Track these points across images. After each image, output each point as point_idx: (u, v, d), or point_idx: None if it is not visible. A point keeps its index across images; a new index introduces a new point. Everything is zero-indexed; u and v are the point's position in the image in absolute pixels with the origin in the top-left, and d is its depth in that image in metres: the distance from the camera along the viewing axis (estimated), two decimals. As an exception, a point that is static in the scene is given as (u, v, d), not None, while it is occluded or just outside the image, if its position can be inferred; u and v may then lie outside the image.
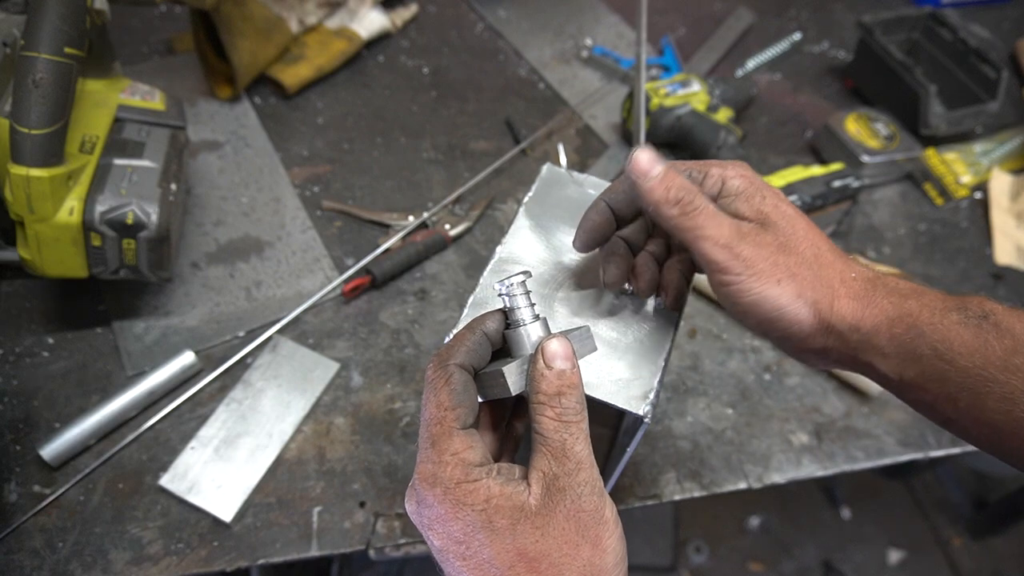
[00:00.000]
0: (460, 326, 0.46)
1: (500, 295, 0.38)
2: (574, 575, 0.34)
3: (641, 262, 0.46)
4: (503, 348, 0.40)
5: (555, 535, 0.34)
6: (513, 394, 0.37)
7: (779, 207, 0.42)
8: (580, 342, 0.39)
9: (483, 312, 0.40)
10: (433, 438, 0.35)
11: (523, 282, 0.38)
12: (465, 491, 0.34)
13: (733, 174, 0.42)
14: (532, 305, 0.38)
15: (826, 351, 0.42)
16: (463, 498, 0.34)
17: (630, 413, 0.43)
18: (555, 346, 0.36)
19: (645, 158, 0.40)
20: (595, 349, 0.40)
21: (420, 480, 0.35)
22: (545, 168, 0.57)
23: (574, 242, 0.46)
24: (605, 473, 0.63)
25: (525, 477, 0.35)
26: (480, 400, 0.38)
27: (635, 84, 0.77)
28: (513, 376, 0.36)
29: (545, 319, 0.39)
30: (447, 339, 0.46)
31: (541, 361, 0.36)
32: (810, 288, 0.40)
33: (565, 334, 0.38)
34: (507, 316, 0.39)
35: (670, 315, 0.48)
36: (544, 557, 0.33)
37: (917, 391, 0.39)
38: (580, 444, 0.35)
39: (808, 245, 0.41)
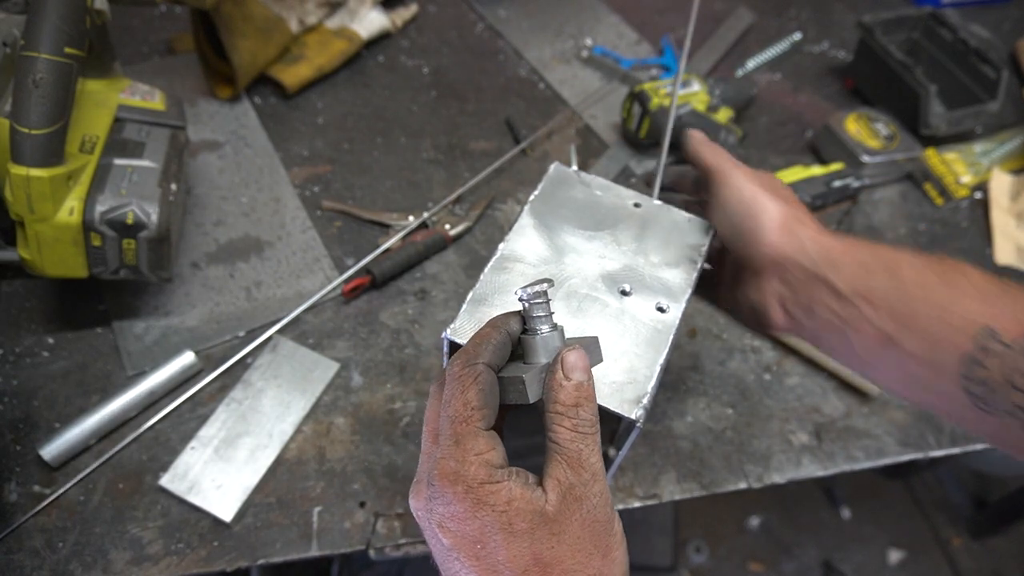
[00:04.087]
0: (459, 321, 0.46)
1: (520, 300, 0.38)
2: None
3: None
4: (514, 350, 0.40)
5: (569, 543, 0.34)
6: (531, 401, 0.37)
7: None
8: (589, 352, 0.39)
9: (503, 312, 0.40)
10: (457, 436, 0.35)
11: (545, 291, 0.38)
12: (487, 491, 0.34)
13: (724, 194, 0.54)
14: (551, 314, 0.38)
15: (785, 261, 0.49)
16: (485, 498, 0.34)
17: (623, 417, 0.42)
18: (574, 358, 0.36)
19: (699, 135, 0.56)
20: (601, 360, 0.41)
21: (440, 476, 0.35)
22: (553, 167, 0.56)
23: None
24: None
25: (539, 484, 0.36)
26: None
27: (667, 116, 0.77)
28: (533, 384, 0.37)
29: (562, 328, 0.39)
30: (449, 332, 0.46)
31: (560, 372, 0.36)
32: (783, 202, 0.50)
33: (574, 342, 0.39)
34: (524, 322, 0.39)
35: (670, 319, 0.48)
36: (558, 563, 0.34)
37: (863, 303, 0.46)
38: (595, 456, 0.36)
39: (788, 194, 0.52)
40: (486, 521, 0.34)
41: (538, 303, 0.38)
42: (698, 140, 0.55)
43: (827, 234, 0.49)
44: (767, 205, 0.50)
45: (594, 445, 0.36)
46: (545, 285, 0.38)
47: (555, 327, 0.39)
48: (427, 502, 0.36)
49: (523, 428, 0.50)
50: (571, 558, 0.34)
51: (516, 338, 0.39)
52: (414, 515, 0.38)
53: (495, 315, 0.41)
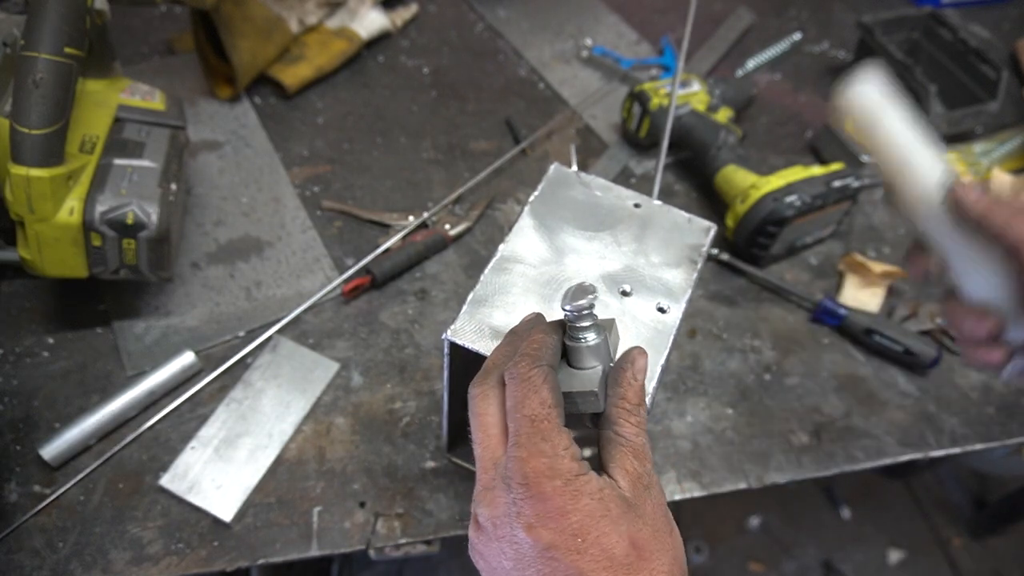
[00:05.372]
0: (460, 322, 0.46)
1: (565, 311, 0.39)
2: (667, 559, 0.36)
3: None
4: None
5: (650, 524, 0.36)
6: (602, 409, 0.39)
7: None
8: (615, 336, 0.42)
9: (539, 317, 0.42)
10: (543, 433, 0.36)
11: (592, 304, 0.38)
12: (583, 482, 0.35)
13: None
14: (595, 319, 0.39)
15: None
16: (583, 488, 0.35)
17: None
18: (643, 362, 0.40)
19: (966, 190, 0.43)
20: (619, 339, 0.44)
21: (532, 474, 0.35)
22: (552, 168, 0.57)
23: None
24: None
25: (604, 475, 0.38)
26: None
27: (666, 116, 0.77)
28: (603, 393, 0.39)
29: (605, 335, 0.40)
30: (449, 334, 0.46)
31: (630, 372, 0.39)
32: None
33: (602, 327, 0.41)
34: (567, 331, 0.40)
35: (670, 320, 0.48)
36: (646, 544, 0.35)
37: None
38: (650, 449, 0.39)
39: None
40: (586, 512, 0.34)
41: (586, 314, 0.39)
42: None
43: None
44: None
45: (648, 438, 0.39)
46: (591, 297, 0.38)
47: (600, 331, 0.40)
48: (511, 506, 0.36)
49: None
50: (653, 538, 0.36)
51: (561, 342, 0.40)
52: (483, 525, 0.37)
53: (528, 318, 0.42)
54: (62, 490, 0.61)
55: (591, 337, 0.39)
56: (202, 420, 0.66)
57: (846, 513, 1.61)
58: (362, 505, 0.63)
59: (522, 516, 0.35)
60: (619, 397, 0.38)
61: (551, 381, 0.37)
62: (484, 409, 0.39)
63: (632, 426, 0.38)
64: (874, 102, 0.46)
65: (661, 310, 0.48)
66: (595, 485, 0.35)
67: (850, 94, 0.46)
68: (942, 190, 0.44)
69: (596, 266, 0.50)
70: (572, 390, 0.39)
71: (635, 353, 0.40)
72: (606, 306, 0.48)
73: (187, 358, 0.67)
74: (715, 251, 0.83)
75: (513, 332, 0.42)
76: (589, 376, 0.39)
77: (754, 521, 1.59)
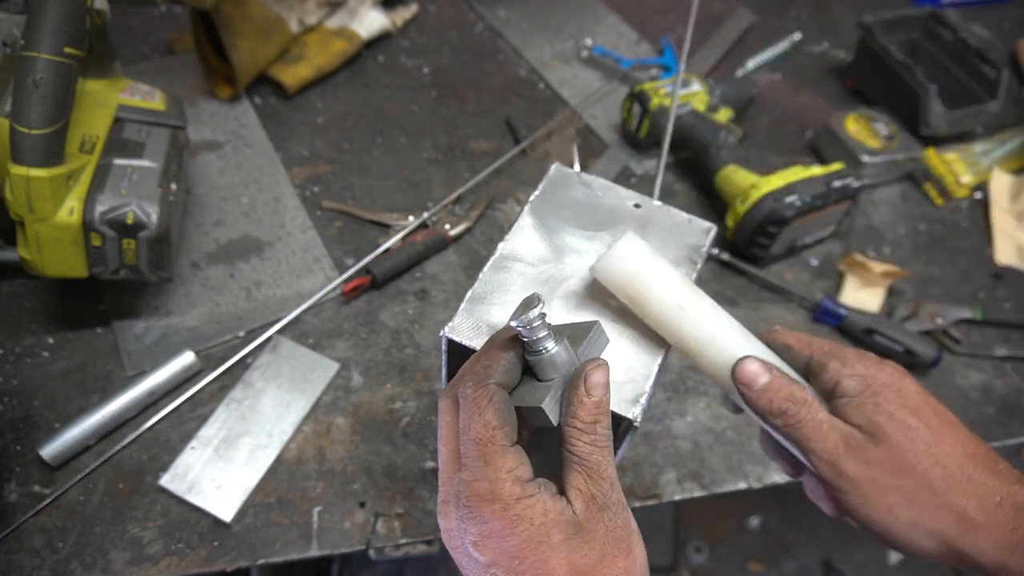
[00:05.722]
0: (457, 319, 0.46)
1: (517, 328, 0.37)
2: None
3: None
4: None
5: (598, 549, 0.35)
6: (555, 425, 0.37)
7: (895, 417, 0.40)
8: (595, 341, 0.40)
9: (503, 333, 0.40)
10: (485, 456, 0.35)
11: (541, 314, 0.37)
12: (524, 506, 0.35)
13: (849, 373, 0.42)
14: (550, 329, 0.38)
15: (958, 569, 0.39)
16: (522, 513, 0.34)
17: (621, 417, 0.43)
18: (598, 376, 0.37)
19: (750, 369, 0.42)
20: (608, 341, 0.41)
21: (474, 497, 0.35)
22: (553, 168, 0.57)
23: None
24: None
25: (561, 493, 0.36)
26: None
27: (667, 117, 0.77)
28: (553, 410, 0.37)
29: (566, 340, 0.39)
30: (447, 331, 0.46)
31: (582, 388, 0.37)
32: (930, 516, 0.38)
33: (576, 329, 0.39)
34: (526, 346, 0.38)
35: None
36: (591, 570, 0.35)
37: None
38: (611, 466, 0.37)
39: (931, 463, 0.39)
40: (524, 536, 0.34)
41: (536, 326, 0.37)
42: (764, 401, 0.41)
43: (1014, 538, 0.38)
44: (917, 545, 0.39)
45: (610, 455, 0.37)
46: (537, 309, 0.37)
47: (558, 340, 0.38)
48: (459, 522, 0.36)
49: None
50: (600, 563, 0.35)
51: (522, 358, 0.39)
52: (443, 534, 0.38)
53: (496, 333, 0.40)
54: (62, 490, 0.61)
55: (548, 348, 0.37)
56: (202, 420, 0.66)
57: (846, 513, 1.61)
58: (362, 505, 0.63)
59: (468, 534, 0.36)
60: (571, 416, 0.37)
61: (496, 402, 0.36)
62: (446, 421, 0.39)
63: (584, 444, 0.36)
64: (641, 267, 0.43)
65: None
66: (539, 509, 0.35)
67: (613, 262, 0.43)
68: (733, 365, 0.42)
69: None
70: (523, 405, 0.37)
71: (589, 368, 0.37)
72: (605, 305, 0.48)
73: (187, 358, 0.67)
74: (715, 251, 0.83)
75: (490, 341, 0.41)
76: (539, 391, 0.38)
77: (754, 521, 1.58)
